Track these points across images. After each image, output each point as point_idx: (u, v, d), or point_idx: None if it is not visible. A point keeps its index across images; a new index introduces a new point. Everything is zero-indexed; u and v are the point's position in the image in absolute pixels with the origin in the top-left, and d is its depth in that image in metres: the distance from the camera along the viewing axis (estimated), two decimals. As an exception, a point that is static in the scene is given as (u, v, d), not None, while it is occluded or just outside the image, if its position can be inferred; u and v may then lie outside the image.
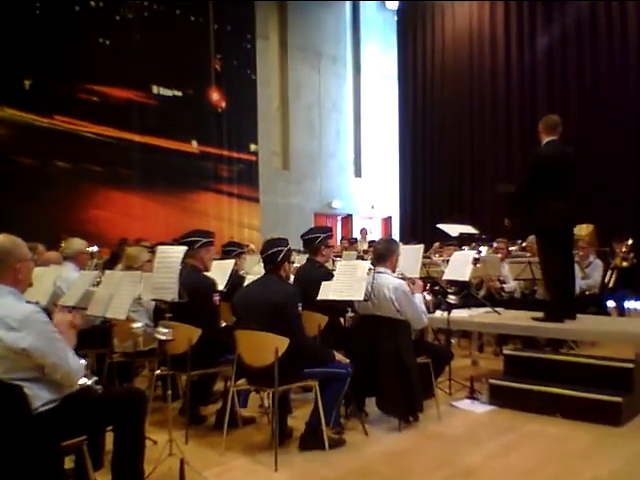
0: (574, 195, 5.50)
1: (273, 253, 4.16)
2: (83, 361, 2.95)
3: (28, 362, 2.69)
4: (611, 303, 8.26)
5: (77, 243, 5.56)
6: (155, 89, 13.12)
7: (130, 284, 4.28)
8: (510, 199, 5.64)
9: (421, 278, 5.12)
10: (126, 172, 12.52)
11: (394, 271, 4.70)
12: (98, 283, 4.68)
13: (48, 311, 3.34)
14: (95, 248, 7.43)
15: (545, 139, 5.53)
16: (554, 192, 5.33)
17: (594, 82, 12.94)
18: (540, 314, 5.63)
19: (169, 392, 3.84)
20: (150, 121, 12.88)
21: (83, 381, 2.95)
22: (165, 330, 3.66)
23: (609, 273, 8.28)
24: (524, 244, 8.86)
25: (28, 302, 2.88)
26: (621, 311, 8.22)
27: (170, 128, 13.20)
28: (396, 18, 17.90)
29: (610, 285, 8.21)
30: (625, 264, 8.63)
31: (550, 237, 5.44)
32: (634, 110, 12.30)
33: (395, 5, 17.78)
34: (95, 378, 3.05)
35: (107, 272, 4.88)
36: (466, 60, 15.48)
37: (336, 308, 4.79)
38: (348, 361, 4.26)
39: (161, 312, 4.01)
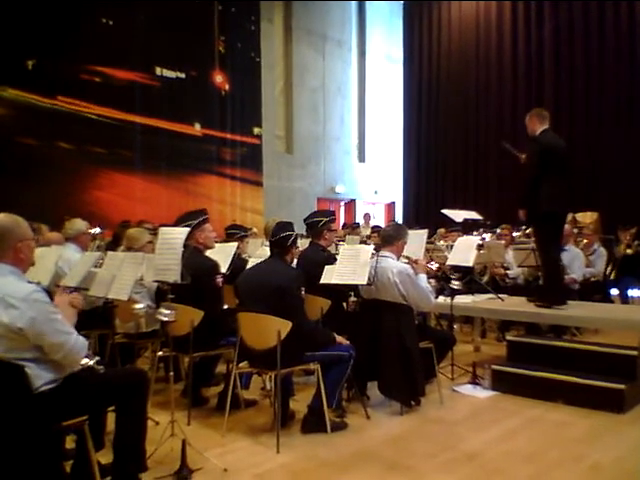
0: (569, 181, 5.65)
1: (285, 237, 4.15)
2: (86, 344, 2.91)
3: (27, 342, 2.67)
4: (615, 291, 8.23)
5: (79, 224, 5.54)
6: (158, 70, 13.02)
7: (132, 265, 4.25)
8: (523, 189, 5.64)
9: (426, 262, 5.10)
10: (129, 154, 12.46)
11: (399, 258, 4.68)
12: (100, 264, 4.66)
13: (49, 291, 3.33)
14: (97, 230, 7.40)
15: (540, 128, 5.65)
16: (556, 178, 5.44)
17: (601, 67, 12.85)
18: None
19: (171, 373, 3.83)
20: (153, 103, 12.79)
21: (85, 361, 2.94)
22: (167, 311, 3.65)
23: (610, 266, 8.25)
24: (528, 230, 8.83)
25: (30, 282, 2.86)
26: (624, 299, 8.20)
27: (173, 110, 13.11)
28: (402, 1, 17.72)
29: (611, 277, 8.19)
30: (629, 252, 8.59)
31: (551, 222, 5.52)
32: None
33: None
34: (97, 358, 3.03)
35: (109, 253, 4.86)
36: (472, 44, 15.37)
37: (339, 292, 4.77)
38: (349, 343, 4.25)
39: (163, 293, 3.99)
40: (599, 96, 12.91)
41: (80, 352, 2.83)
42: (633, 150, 12.16)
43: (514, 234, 8.54)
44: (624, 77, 12.46)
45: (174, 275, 3.78)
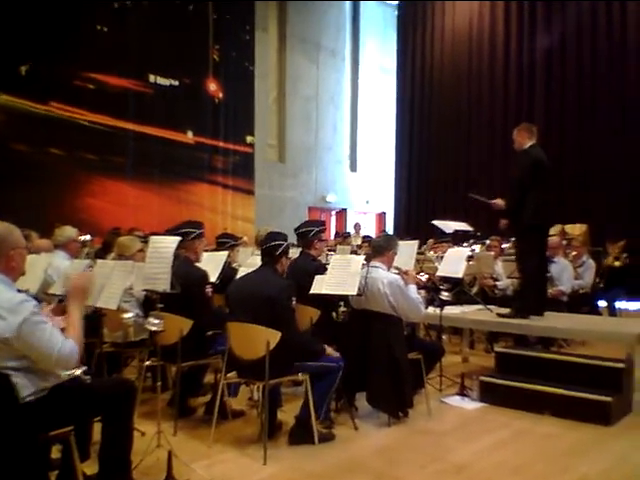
0: (553, 195, 5.92)
1: (273, 246, 4.16)
2: (75, 347, 2.86)
3: (14, 351, 2.65)
4: (603, 303, 8.28)
5: (68, 231, 5.53)
6: (152, 78, 13.05)
7: (122, 274, 4.25)
8: (511, 199, 5.70)
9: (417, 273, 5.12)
10: (121, 161, 12.46)
11: (389, 268, 4.70)
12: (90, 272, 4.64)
13: (38, 299, 3.31)
14: (88, 237, 7.39)
15: (528, 143, 5.76)
16: (541, 192, 5.53)
17: (593, 82, 12.98)
18: (505, 310, 5.77)
19: (159, 383, 3.83)
20: (146, 110, 12.81)
21: (72, 371, 2.92)
22: (156, 321, 3.65)
23: (598, 278, 8.32)
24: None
25: (20, 291, 2.84)
26: (612, 311, 8.25)
27: (166, 118, 13.13)
28: (396, 13, 17.87)
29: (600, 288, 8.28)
30: (617, 264, 8.66)
31: (533, 234, 5.61)
32: (632, 110, 12.35)
33: (396, 0, 17.76)
34: (84, 368, 3.02)
35: (99, 261, 4.85)
36: (465, 57, 15.49)
37: (329, 302, 4.78)
38: (338, 354, 4.25)
39: (152, 303, 3.99)
40: (591, 109, 13.00)
41: (70, 356, 2.76)
42: (622, 163, 12.26)
43: (503, 245, 8.58)
44: (616, 90, 12.58)
45: (163, 284, 3.78)
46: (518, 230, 5.78)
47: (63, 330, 2.85)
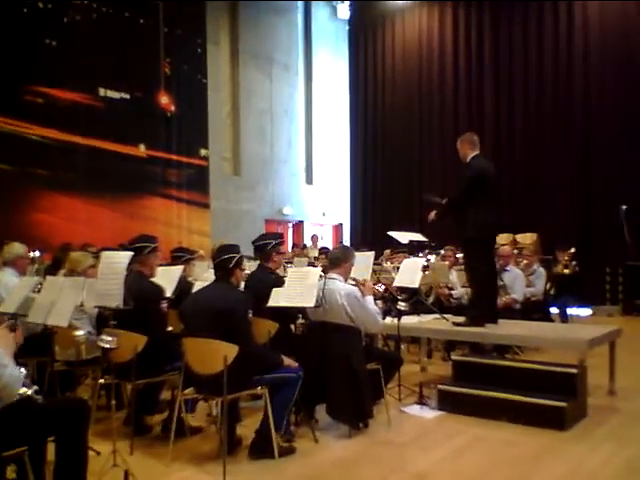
0: (499, 207, 5.86)
1: (225, 259, 4.10)
2: (23, 371, 2.83)
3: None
4: (554, 310, 8.48)
5: (16, 248, 5.38)
6: (102, 92, 12.81)
7: (73, 290, 4.14)
8: (445, 207, 5.77)
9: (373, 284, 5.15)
10: (71, 176, 12.16)
11: (346, 279, 4.71)
12: (39, 289, 4.52)
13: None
14: (37, 253, 7.20)
15: (470, 154, 5.75)
16: (484, 204, 5.54)
17: (540, 92, 13.45)
18: (461, 319, 5.83)
19: (113, 401, 3.73)
20: (97, 124, 12.56)
21: (23, 390, 2.84)
22: (109, 338, 3.57)
23: (549, 285, 8.52)
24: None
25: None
26: (564, 318, 8.45)
27: (117, 131, 12.89)
28: (347, 27, 18.11)
29: (551, 293, 8.47)
30: (567, 272, 8.89)
31: (478, 246, 5.63)
32: (578, 118, 12.83)
33: (346, 14, 18.01)
34: (35, 387, 2.94)
35: (49, 278, 4.72)
36: (415, 69, 15.83)
37: (287, 314, 4.76)
38: (297, 364, 4.23)
39: (105, 319, 3.90)
40: (537, 124, 13.45)
41: (15, 385, 2.72)
42: (570, 174, 12.67)
43: (458, 255, 8.70)
44: (562, 97, 13.10)
45: (116, 300, 3.70)
46: (463, 242, 5.83)
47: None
